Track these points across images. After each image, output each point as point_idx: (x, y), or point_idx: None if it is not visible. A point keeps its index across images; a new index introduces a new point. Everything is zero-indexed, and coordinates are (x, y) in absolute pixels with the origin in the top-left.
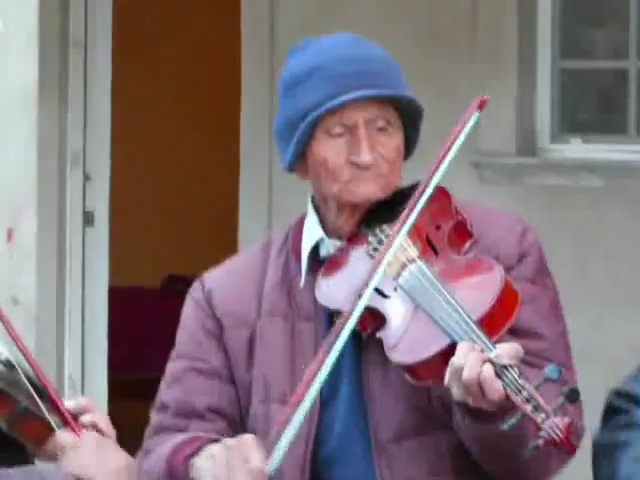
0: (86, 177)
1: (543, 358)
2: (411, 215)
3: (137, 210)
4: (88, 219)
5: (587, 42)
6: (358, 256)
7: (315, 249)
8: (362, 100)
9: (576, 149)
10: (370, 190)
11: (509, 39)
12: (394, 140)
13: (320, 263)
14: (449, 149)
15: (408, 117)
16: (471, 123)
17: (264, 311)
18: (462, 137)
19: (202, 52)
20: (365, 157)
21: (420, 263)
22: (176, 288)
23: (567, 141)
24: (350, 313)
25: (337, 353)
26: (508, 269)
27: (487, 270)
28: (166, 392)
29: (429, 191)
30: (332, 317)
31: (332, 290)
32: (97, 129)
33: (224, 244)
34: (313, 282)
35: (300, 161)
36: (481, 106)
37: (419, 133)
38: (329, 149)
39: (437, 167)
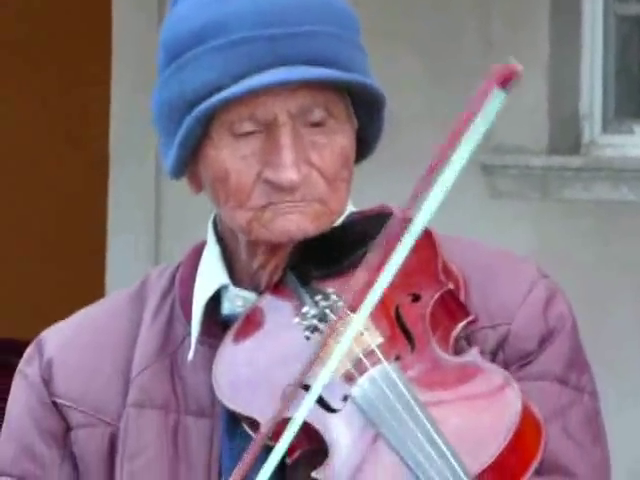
0: None
1: None
2: (382, 278)
3: None
4: None
5: None
6: (283, 324)
7: (216, 301)
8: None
9: None
10: (294, 225)
11: None
12: (339, 140)
13: (222, 325)
14: (445, 156)
15: (363, 102)
16: (489, 112)
17: (131, 399)
18: (474, 136)
19: None
20: (288, 174)
21: (387, 366)
22: (6, 359)
23: (629, 130)
24: (267, 432)
25: None
26: (523, 360)
27: (494, 388)
28: None
29: (417, 229)
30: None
31: (241, 379)
32: None
33: (84, 290)
34: (210, 355)
35: (191, 165)
36: (506, 82)
37: (382, 122)
38: (232, 156)
39: (426, 188)
